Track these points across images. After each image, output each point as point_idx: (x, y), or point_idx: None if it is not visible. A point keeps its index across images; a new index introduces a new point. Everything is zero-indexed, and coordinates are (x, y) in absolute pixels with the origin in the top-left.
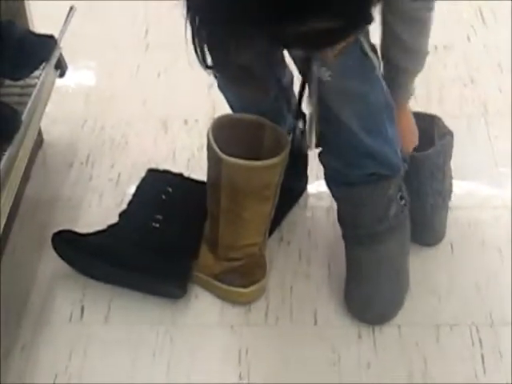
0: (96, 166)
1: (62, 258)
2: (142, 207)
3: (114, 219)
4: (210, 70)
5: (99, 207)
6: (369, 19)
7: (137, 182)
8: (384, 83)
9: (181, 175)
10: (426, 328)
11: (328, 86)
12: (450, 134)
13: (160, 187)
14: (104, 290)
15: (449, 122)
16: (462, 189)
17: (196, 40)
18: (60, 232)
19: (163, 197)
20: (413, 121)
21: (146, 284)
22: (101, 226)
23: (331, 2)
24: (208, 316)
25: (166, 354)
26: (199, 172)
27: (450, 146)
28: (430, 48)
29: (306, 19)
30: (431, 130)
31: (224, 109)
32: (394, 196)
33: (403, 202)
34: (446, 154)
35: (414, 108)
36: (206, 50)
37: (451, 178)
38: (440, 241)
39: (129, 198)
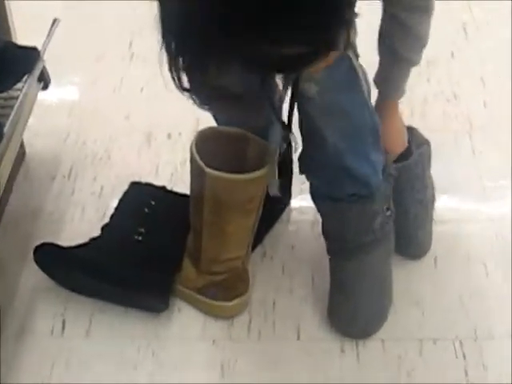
0: (78, 180)
1: (44, 271)
2: (125, 220)
3: (97, 232)
4: (186, 93)
5: (81, 221)
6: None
7: (120, 196)
8: (371, 104)
9: (163, 188)
10: (410, 342)
11: (314, 102)
12: (427, 143)
13: (143, 200)
14: (85, 304)
15: (433, 137)
16: (447, 203)
17: (172, 66)
18: (42, 245)
19: (146, 210)
20: (402, 123)
21: (128, 297)
22: (83, 239)
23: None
24: (190, 330)
25: (148, 367)
26: (182, 186)
27: (428, 154)
28: None
29: (278, 43)
30: (408, 141)
31: (208, 122)
32: (380, 209)
33: (389, 212)
34: (425, 163)
35: None
36: (182, 74)
37: (433, 187)
38: (425, 253)
39: (111, 211)
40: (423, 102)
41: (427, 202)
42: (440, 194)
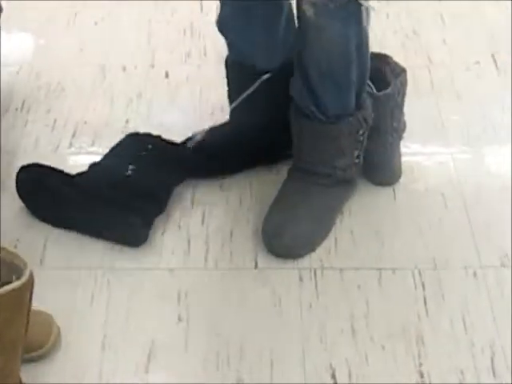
0: (32, 112)
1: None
2: (117, 159)
3: (50, 164)
4: None
5: (34, 152)
6: None
7: (72, 129)
8: (366, 42)
9: (159, 137)
10: (369, 271)
11: (310, 21)
12: (404, 70)
13: (140, 145)
14: (39, 232)
15: None
16: (406, 136)
17: None
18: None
19: (143, 152)
20: None
21: (109, 219)
22: None
23: None
24: (147, 260)
25: (104, 296)
26: (138, 118)
27: (406, 83)
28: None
29: None
30: (384, 69)
31: (163, 57)
32: (346, 147)
33: (357, 160)
34: (403, 91)
35: None
36: None
37: (404, 115)
38: (398, 180)
39: (64, 143)
40: (382, 38)
41: (401, 130)
42: None
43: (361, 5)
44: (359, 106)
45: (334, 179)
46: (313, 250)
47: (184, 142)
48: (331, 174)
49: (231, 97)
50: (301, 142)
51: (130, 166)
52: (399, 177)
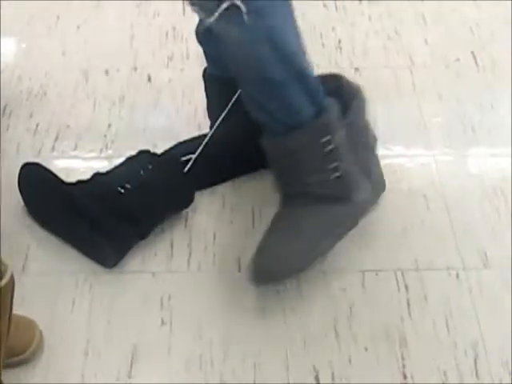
0: (13, 116)
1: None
2: (117, 174)
3: None
4: None
5: (17, 156)
6: None
7: (55, 133)
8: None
9: (166, 154)
10: (352, 274)
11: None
12: (359, 90)
13: (142, 163)
14: (22, 237)
15: (375, 73)
16: (388, 138)
17: None
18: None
19: (141, 172)
20: None
21: (84, 237)
22: None
23: None
24: (129, 264)
25: (86, 301)
26: (120, 122)
27: (364, 101)
28: (354, 1)
29: None
30: (339, 91)
31: (146, 60)
32: (313, 160)
33: (338, 174)
34: (363, 110)
35: (339, 61)
36: None
37: (371, 129)
38: (380, 194)
39: (47, 147)
40: (365, 39)
41: (372, 147)
42: (382, 130)
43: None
44: (318, 112)
45: (311, 197)
46: (301, 269)
47: (178, 159)
48: (306, 192)
49: (210, 109)
50: (270, 162)
51: (126, 184)
52: (382, 190)
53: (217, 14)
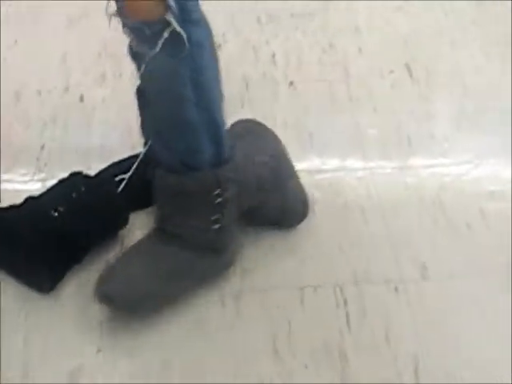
0: None
1: None
2: (50, 197)
3: None
4: None
5: None
6: None
7: None
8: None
9: (98, 177)
10: (290, 290)
11: (133, 50)
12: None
13: (75, 185)
14: None
15: (310, 87)
16: (324, 152)
17: None
18: None
19: (73, 194)
20: None
21: (18, 267)
22: None
23: None
24: (65, 289)
25: (22, 327)
26: (53, 143)
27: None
28: (286, 16)
29: None
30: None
31: (78, 79)
32: (197, 207)
33: (216, 226)
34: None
35: (274, 75)
36: None
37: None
38: (304, 216)
39: None
40: (299, 52)
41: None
42: (317, 143)
43: (178, 33)
44: (219, 163)
45: (187, 243)
46: (142, 306)
47: (112, 180)
48: (181, 235)
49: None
50: (158, 195)
51: (59, 208)
52: (303, 209)
53: (159, 43)
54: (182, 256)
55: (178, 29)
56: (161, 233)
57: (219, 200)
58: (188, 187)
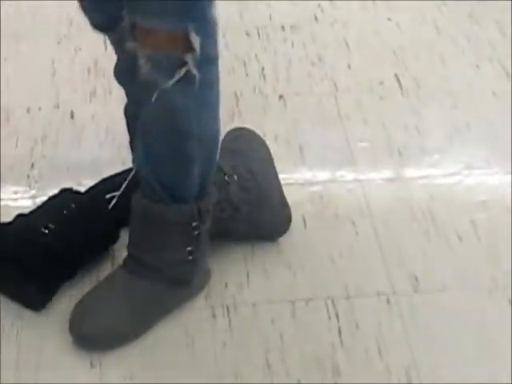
0: None
1: None
2: (40, 214)
3: None
4: None
5: None
6: None
7: None
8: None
9: (89, 194)
10: (282, 304)
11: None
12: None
13: (65, 202)
14: None
15: (299, 100)
16: (314, 164)
17: None
18: None
19: (64, 211)
20: None
21: (8, 284)
22: None
23: None
24: (56, 306)
25: (13, 345)
26: (43, 161)
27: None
28: (277, 29)
29: None
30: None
31: (68, 97)
32: (175, 238)
33: (190, 258)
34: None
35: (263, 88)
36: None
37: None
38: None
39: None
40: (288, 66)
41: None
42: (308, 156)
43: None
44: (201, 195)
45: (161, 274)
46: (117, 344)
47: (102, 197)
48: (158, 268)
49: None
50: (132, 221)
51: (50, 224)
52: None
53: (175, 78)
54: (155, 290)
55: (194, 71)
56: (134, 262)
57: (196, 232)
58: (170, 218)
